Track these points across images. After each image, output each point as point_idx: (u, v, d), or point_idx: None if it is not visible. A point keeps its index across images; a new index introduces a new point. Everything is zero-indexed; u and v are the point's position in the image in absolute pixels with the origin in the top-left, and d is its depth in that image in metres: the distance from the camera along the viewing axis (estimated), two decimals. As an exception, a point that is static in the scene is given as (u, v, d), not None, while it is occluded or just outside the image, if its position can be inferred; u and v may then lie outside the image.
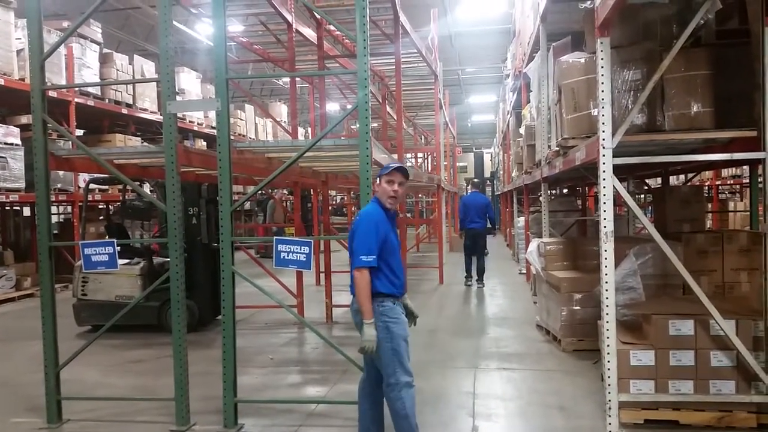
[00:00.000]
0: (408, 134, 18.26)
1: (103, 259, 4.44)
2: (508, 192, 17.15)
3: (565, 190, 14.42)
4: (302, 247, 4.28)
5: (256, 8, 8.75)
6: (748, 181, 15.51)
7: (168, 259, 8.19)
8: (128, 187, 9.14)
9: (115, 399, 5.13)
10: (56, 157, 4.90)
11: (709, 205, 13.96)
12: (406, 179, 3.77)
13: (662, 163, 6.08)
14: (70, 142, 10.56)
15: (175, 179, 4.29)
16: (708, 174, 14.76)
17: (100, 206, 14.72)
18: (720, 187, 16.74)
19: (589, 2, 6.59)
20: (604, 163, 3.98)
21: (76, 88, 11.37)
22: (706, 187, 15.14)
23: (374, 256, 3.54)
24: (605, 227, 4.01)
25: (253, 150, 5.39)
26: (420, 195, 22.27)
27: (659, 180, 11.87)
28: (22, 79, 10.02)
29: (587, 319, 6.09)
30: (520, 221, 12.92)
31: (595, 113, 5.07)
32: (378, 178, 3.77)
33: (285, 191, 17.97)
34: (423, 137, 22.91)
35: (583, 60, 5.28)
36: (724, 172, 15.57)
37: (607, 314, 4.08)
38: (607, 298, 4.08)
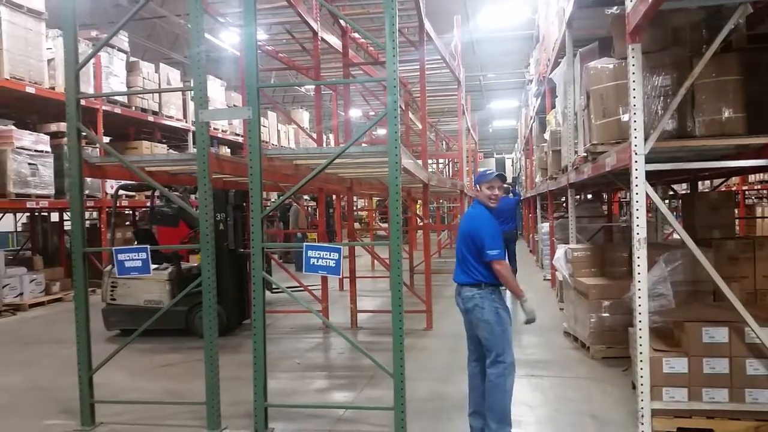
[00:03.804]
0: (429, 140, 18.24)
1: (136, 265, 4.51)
2: (531, 197, 17.06)
3: (588, 196, 14.31)
4: (332, 253, 4.31)
5: (281, 17, 8.83)
6: (776, 186, 15.30)
7: (195, 265, 8.33)
8: (156, 194, 9.28)
9: (147, 402, 5.18)
10: (89, 165, 4.99)
11: (736, 211, 13.74)
12: (504, 182, 4.38)
13: (691, 169, 6.02)
14: (97, 149, 10.77)
15: (207, 186, 4.35)
16: (734, 179, 14.53)
17: (126, 212, 14.94)
18: (746, 192, 16.47)
19: (615, 8, 6.56)
20: (636, 170, 3.95)
21: (104, 97, 11.56)
22: (733, 193, 14.90)
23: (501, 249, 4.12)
24: (638, 234, 3.98)
25: (283, 157, 5.44)
26: (441, 201, 22.23)
27: (683, 185, 11.75)
28: (53, 88, 10.21)
29: (616, 326, 6.04)
30: (545, 227, 12.83)
31: (625, 119, 5.05)
32: (477, 185, 4.31)
33: (307, 197, 18.07)
34: (444, 143, 22.90)
35: (611, 66, 5.25)
36: (751, 177, 15.33)
37: (639, 321, 4.05)
38: (640, 305, 4.04)
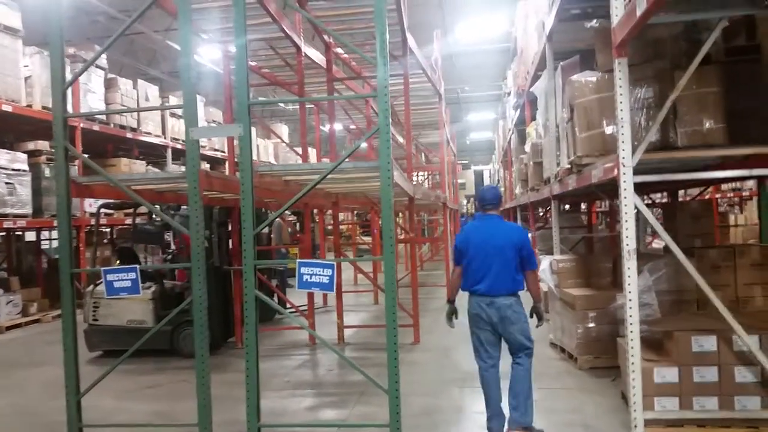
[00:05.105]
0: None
1: (125, 285, 4.44)
2: (510, 209, 17.19)
3: (566, 207, 14.47)
4: (325, 269, 4.28)
5: (262, 33, 8.81)
6: (748, 194, 15.65)
7: (179, 283, 8.22)
8: (138, 211, 9.16)
9: (137, 425, 5.10)
10: (77, 184, 4.91)
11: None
12: None
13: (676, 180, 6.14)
14: (75, 167, 10.61)
15: (198, 204, 4.31)
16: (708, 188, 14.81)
17: (104, 230, 14.71)
18: (719, 200, 16.82)
19: (595, 21, 6.68)
20: (624, 182, 4.01)
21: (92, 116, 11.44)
22: (710, 201, 15.19)
23: None
24: (628, 245, 4.04)
25: (273, 173, 5.42)
26: (421, 213, 22.31)
27: (658, 195, 11.95)
28: (30, 106, 10.06)
29: (603, 336, 6.09)
30: (525, 238, 12.92)
31: (608, 131, 5.14)
32: (501, 200, 4.80)
33: (288, 212, 17.96)
34: (423, 155, 23.02)
35: (595, 79, 5.34)
36: (724, 186, 15.63)
37: (631, 332, 4.10)
38: (630, 315, 4.09)
